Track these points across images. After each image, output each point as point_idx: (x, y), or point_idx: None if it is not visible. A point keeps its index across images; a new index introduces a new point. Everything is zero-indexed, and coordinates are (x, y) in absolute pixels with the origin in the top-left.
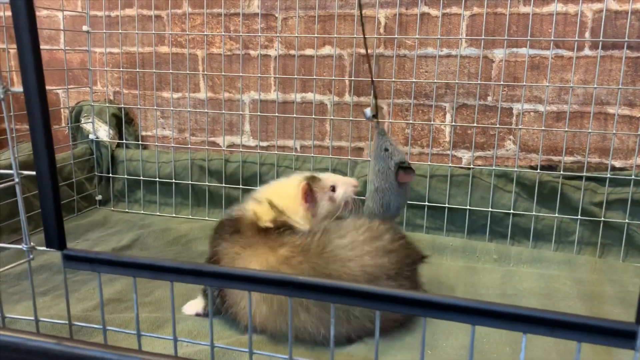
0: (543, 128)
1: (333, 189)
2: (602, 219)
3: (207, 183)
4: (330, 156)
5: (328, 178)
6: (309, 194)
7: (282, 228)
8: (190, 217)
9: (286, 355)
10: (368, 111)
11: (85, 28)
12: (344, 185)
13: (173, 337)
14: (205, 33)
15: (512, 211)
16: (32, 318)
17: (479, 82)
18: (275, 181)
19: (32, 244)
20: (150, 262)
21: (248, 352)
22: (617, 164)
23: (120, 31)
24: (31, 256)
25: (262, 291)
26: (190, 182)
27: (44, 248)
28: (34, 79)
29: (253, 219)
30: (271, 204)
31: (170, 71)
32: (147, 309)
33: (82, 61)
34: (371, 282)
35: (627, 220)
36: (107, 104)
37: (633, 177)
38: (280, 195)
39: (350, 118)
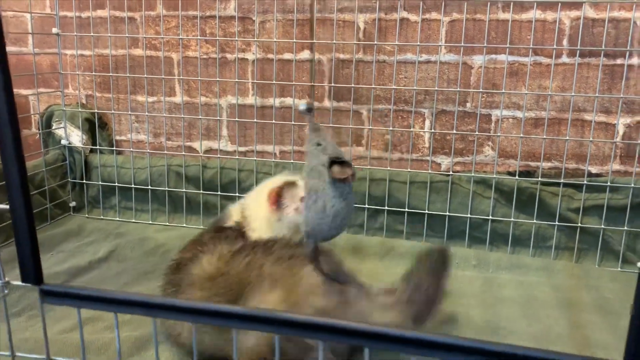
0: (522, 135)
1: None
2: (579, 224)
3: (184, 190)
4: None
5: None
6: (277, 199)
7: (237, 232)
8: (167, 224)
9: None
10: (303, 104)
11: (55, 30)
12: None
13: None
14: (180, 37)
15: (490, 217)
16: (8, 354)
17: (458, 89)
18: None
19: (6, 278)
20: (133, 298)
21: None
22: (594, 170)
23: (92, 34)
24: (6, 291)
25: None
26: (167, 188)
27: (20, 283)
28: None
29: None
30: (242, 205)
31: (145, 75)
32: (127, 328)
33: (52, 64)
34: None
35: (602, 226)
36: (79, 109)
37: (609, 183)
38: (254, 198)
39: (330, 124)
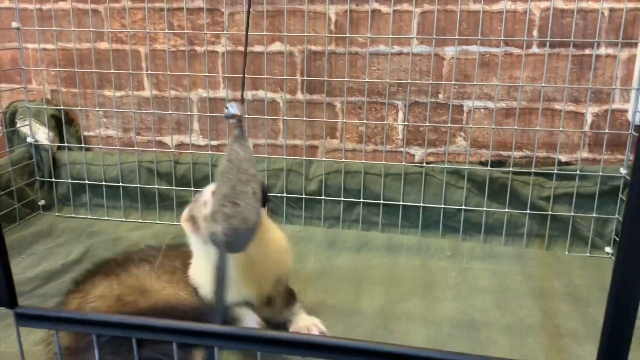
0: (493, 126)
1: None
2: (550, 212)
3: (156, 186)
4: (285, 156)
5: (203, 196)
6: (192, 221)
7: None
8: (140, 221)
9: None
10: (231, 107)
11: (14, 24)
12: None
13: None
14: (147, 30)
15: (463, 207)
16: None
17: (430, 81)
18: None
19: None
20: (110, 319)
21: None
22: (564, 158)
23: (54, 27)
24: None
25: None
26: (138, 185)
27: None
28: None
29: None
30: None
31: (112, 70)
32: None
33: (13, 58)
34: None
35: (572, 213)
36: (44, 105)
37: (578, 171)
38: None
39: (304, 118)
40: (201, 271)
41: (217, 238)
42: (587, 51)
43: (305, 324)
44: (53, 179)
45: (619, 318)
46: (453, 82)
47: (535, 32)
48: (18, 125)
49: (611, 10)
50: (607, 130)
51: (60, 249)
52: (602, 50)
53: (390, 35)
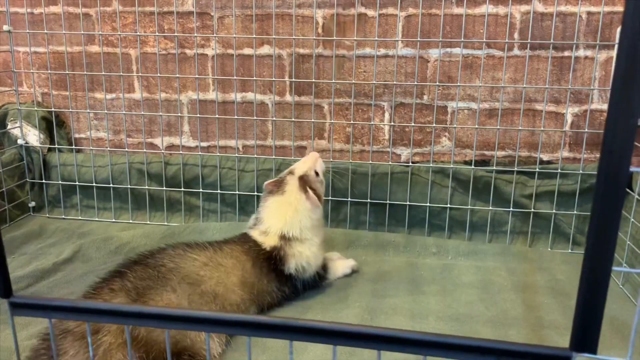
0: (477, 126)
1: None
2: (532, 210)
3: (146, 187)
4: (274, 156)
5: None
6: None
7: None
8: (131, 221)
9: None
10: None
11: (6, 27)
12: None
13: None
14: (138, 33)
15: (449, 205)
16: None
17: (415, 82)
18: None
19: None
20: (104, 307)
21: None
22: (545, 157)
23: (45, 31)
24: None
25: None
26: (129, 186)
27: None
28: None
29: None
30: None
31: (103, 73)
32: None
33: (4, 62)
34: None
35: (554, 211)
36: (35, 107)
37: (559, 170)
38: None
39: (293, 119)
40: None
41: None
42: (566, 53)
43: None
44: (44, 181)
45: (590, 297)
46: (437, 84)
47: (516, 35)
48: (9, 127)
49: (589, 13)
50: (586, 130)
51: (51, 249)
52: (581, 52)
53: (376, 38)
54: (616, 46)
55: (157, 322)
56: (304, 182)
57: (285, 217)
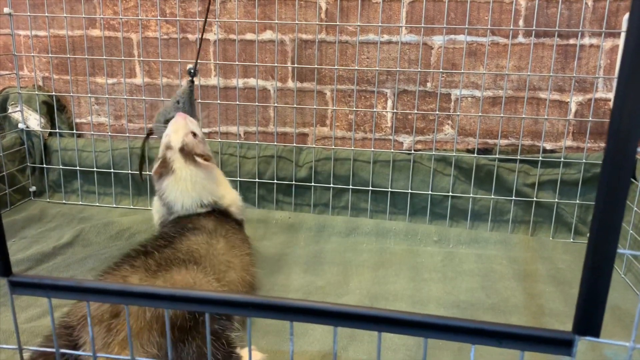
0: (480, 114)
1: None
2: (534, 199)
3: (148, 172)
4: (275, 143)
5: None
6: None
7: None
8: (131, 207)
9: None
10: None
11: (7, 10)
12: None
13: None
14: (139, 17)
15: (450, 194)
16: None
17: (419, 69)
18: None
19: None
20: (104, 286)
21: None
22: (548, 146)
23: (46, 14)
24: None
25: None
26: (130, 171)
27: None
28: None
29: None
30: None
31: (104, 57)
32: None
33: (5, 45)
34: None
35: (556, 200)
36: (36, 91)
37: (562, 159)
38: None
39: (295, 105)
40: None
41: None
42: (571, 41)
43: None
44: (44, 165)
45: (594, 278)
46: (441, 71)
47: (521, 22)
48: (9, 111)
49: (595, 0)
50: (590, 119)
51: (52, 233)
52: (586, 40)
53: (380, 24)
54: (622, 34)
55: (156, 302)
56: (187, 152)
57: (191, 194)
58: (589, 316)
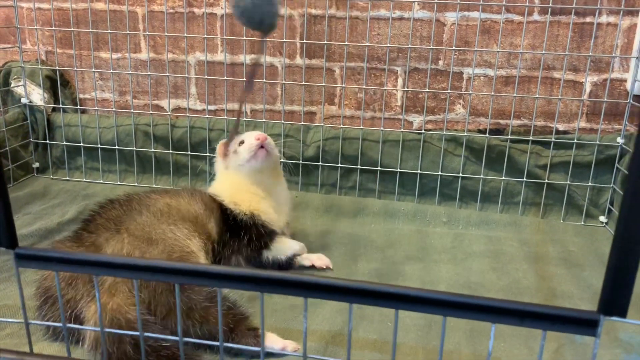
0: (493, 93)
1: (241, 143)
2: (546, 180)
3: (152, 149)
4: (282, 121)
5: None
6: (224, 149)
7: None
8: (136, 184)
9: None
10: None
11: None
12: (249, 138)
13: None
14: None
15: (461, 174)
16: None
17: (431, 47)
18: None
19: None
20: (110, 260)
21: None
22: (561, 127)
23: None
24: None
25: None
26: (134, 148)
27: None
28: None
29: None
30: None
31: (109, 31)
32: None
33: (7, 17)
34: None
35: (568, 182)
36: (39, 65)
37: (575, 140)
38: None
39: (303, 83)
40: (223, 184)
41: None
42: (588, 19)
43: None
44: (47, 141)
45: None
46: (454, 48)
47: None
48: (12, 85)
49: None
50: (605, 99)
51: (56, 209)
52: (604, 19)
53: None
54: None
55: (166, 276)
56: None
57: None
58: (616, 295)
